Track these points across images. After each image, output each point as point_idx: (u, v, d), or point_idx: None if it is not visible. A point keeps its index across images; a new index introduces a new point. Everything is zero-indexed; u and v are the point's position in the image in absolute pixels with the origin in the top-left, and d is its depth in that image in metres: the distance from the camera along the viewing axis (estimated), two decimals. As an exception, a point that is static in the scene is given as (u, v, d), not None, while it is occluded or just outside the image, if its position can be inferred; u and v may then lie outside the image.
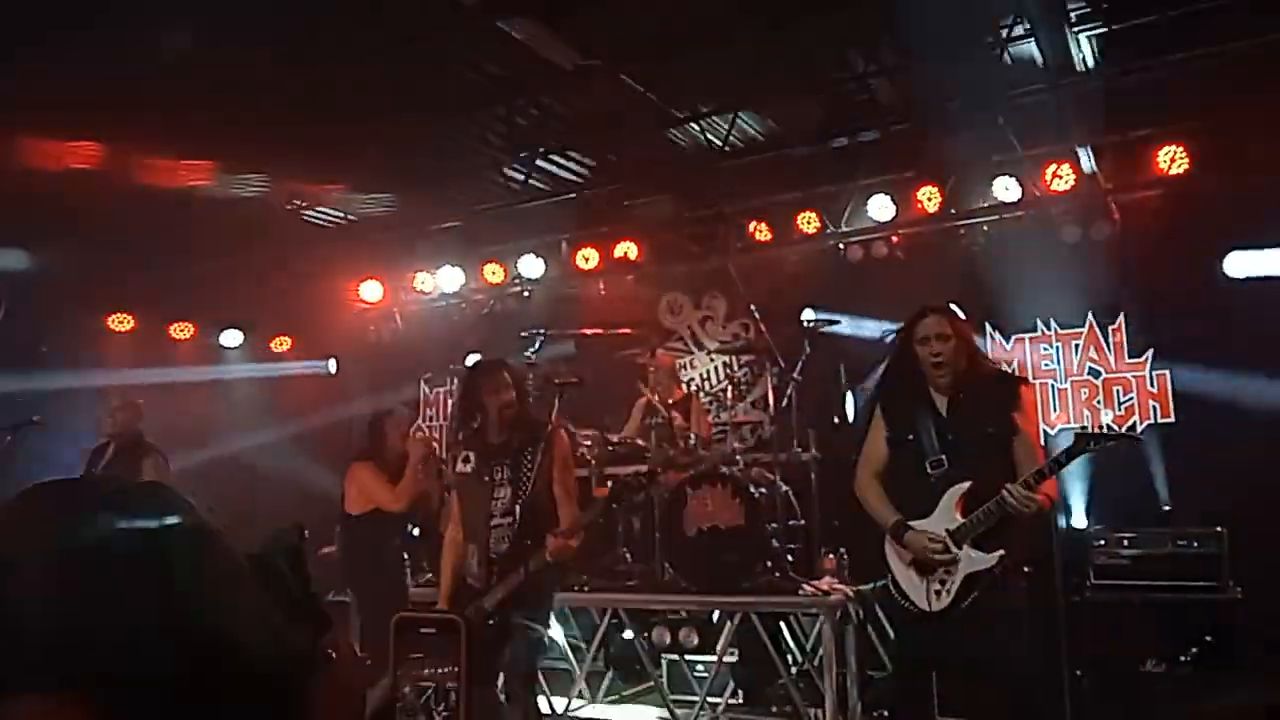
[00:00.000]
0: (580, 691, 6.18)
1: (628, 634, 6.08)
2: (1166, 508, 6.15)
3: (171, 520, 0.93)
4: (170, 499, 0.95)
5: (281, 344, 9.78)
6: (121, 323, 8.62)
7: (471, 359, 8.44)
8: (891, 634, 4.95)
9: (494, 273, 8.67)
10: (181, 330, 9.10)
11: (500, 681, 4.10)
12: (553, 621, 6.69)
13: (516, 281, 8.62)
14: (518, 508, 4.01)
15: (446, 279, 8.76)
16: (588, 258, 8.32)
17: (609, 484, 5.28)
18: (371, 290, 9.05)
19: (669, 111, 6.52)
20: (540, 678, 4.55)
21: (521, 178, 7.32)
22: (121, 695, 0.82)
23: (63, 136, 6.25)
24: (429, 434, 9.58)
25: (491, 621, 3.99)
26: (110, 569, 0.87)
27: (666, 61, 5.95)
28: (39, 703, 0.81)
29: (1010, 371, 6.33)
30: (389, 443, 5.49)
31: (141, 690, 0.82)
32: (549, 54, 5.76)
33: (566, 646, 6.64)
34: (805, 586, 5.69)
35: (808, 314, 6.76)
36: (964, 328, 3.81)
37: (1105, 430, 3.54)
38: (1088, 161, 6.50)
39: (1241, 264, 6.22)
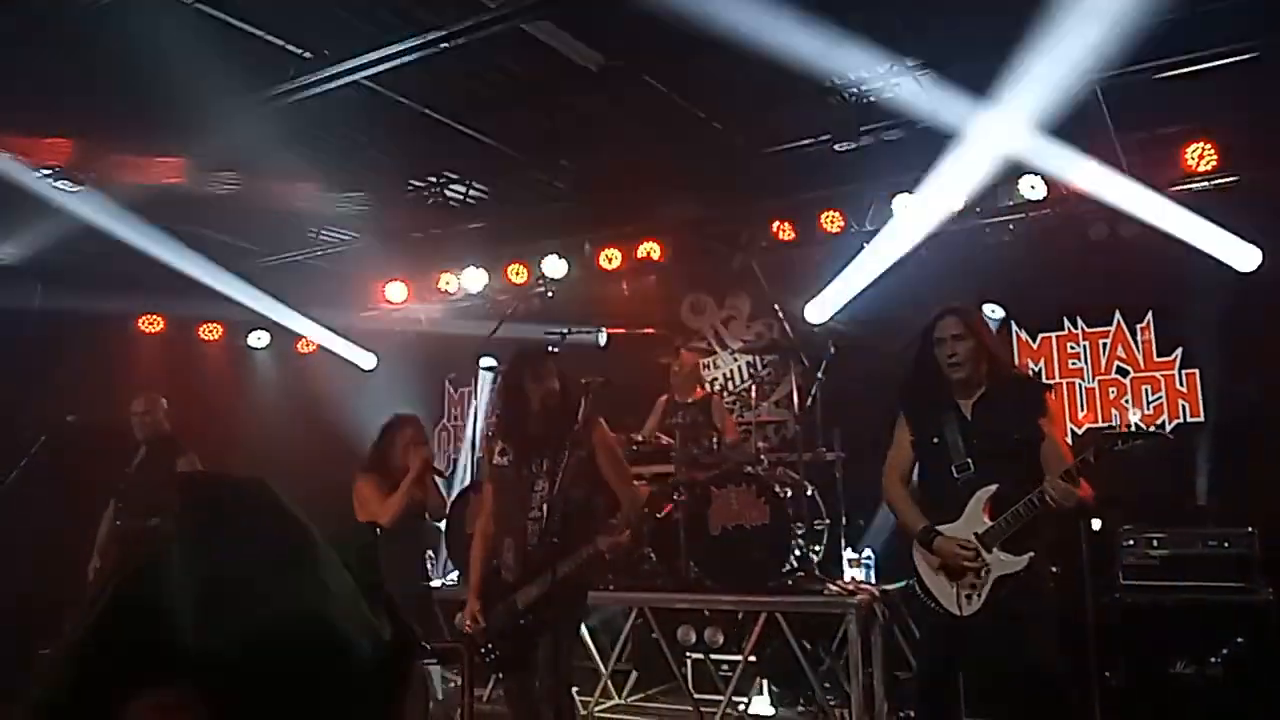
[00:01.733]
0: (605, 690, 6.21)
1: (653, 633, 6.09)
2: (1201, 504, 6.10)
3: (286, 516, 0.95)
4: (277, 496, 0.96)
5: (307, 345, 9.87)
6: (152, 324, 8.74)
7: (486, 361, 8.56)
8: (917, 634, 4.95)
9: (517, 273, 8.71)
10: (210, 331, 9.21)
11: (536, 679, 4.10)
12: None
13: (540, 282, 8.66)
14: (557, 501, 3.95)
15: (470, 280, 8.82)
16: (611, 258, 8.35)
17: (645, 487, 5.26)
18: (396, 291, 9.13)
19: (692, 112, 6.52)
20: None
21: (544, 178, 7.36)
22: (239, 691, 0.83)
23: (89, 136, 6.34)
24: (453, 433, 9.67)
25: (523, 621, 3.98)
26: (241, 564, 0.88)
27: (689, 62, 5.95)
28: (159, 698, 0.83)
29: (1032, 375, 6.33)
30: (394, 455, 5.22)
31: (259, 685, 0.84)
32: (572, 56, 5.79)
33: (592, 645, 6.68)
34: (831, 586, 5.69)
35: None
36: (983, 328, 3.81)
37: (1134, 429, 3.51)
38: (1115, 159, 6.44)
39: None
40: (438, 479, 5.52)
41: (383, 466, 5.23)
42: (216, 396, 8.62)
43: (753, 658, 5.84)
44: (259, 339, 9.47)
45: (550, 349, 6.73)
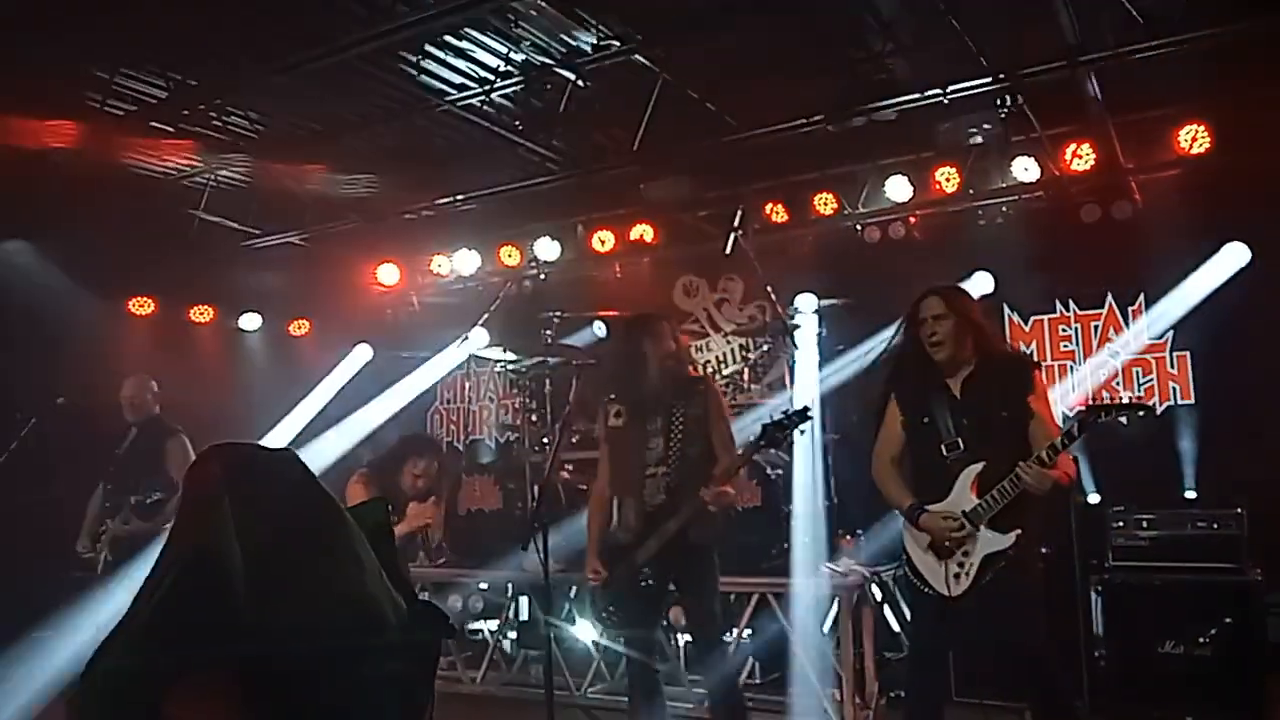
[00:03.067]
0: (598, 672, 6.23)
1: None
2: (1187, 490, 6.14)
3: (318, 489, 0.93)
4: (308, 468, 0.95)
5: (300, 327, 9.84)
6: (142, 306, 8.69)
7: (477, 336, 8.58)
8: (908, 615, 4.96)
9: (510, 255, 8.69)
10: (201, 313, 9.17)
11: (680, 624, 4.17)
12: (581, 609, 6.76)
13: (533, 264, 8.64)
14: (675, 458, 4.00)
15: (463, 262, 8.79)
16: (604, 240, 8.33)
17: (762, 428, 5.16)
18: (388, 273, 9.09)
19: (685, 92, 6.48)
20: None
21: (537, 159, 7.32)
22: (285, 664, 0.82)
23: (79, 116, 6.28)
24: (445, 415, 9.66)
25: (643, 581, 4.01)
26: (284, 538, 0.87)
27: (683, 42, 5.91)
28: (196, 683, 0.82)
29: (1022, 354, 6.36)
30: (399, 478, 4.92)
31: (305, 657, 0.83)
32: (566, 35, 5.76)
33: (583, 626, 6.70)
34: (822, 567, 5.70)
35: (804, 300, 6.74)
36: (966, 307, 3.80)
37: (1117, 403, 3.53)
38: (1108, 141, 6.44)
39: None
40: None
41: (383, 482, 4.95)
42: (208, 379, 8.58)
43: (745, 638, 5.86)
44: (251, 321, 9.43)
45: (547, 333, 6.75)
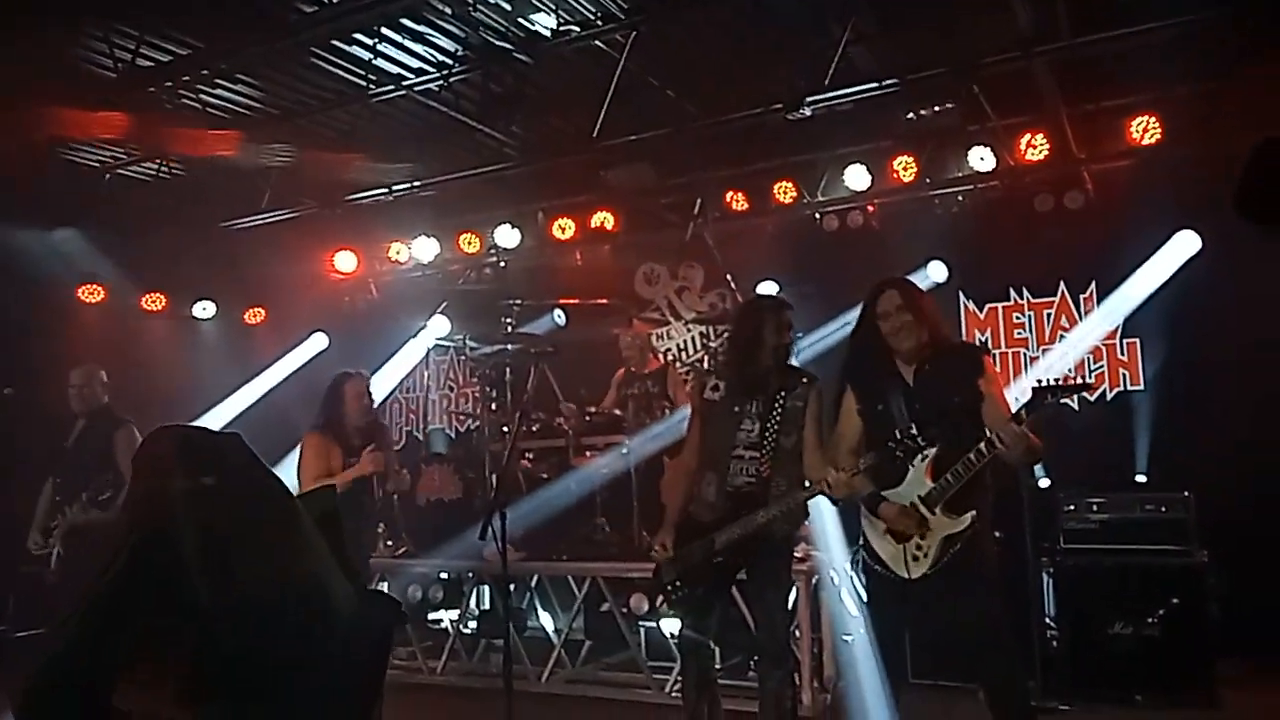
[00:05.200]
0: (558, 660, 6.23)
1: (606, 602, 6.11)
2: (1138, 474, 6.26)
3: (266, 472, 0.92)
4: (254, 452, 0.94)
5: (255, 315, 9.69)
6: (92, 294, 8.50)
7: (436, 325, 8.53)
8: (865, 599, 5.02)
9: (469, 243, 8.63)
10: (153, 301, 8.99)
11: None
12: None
13: (492, 252, 8.59)
14: (766, 445, 3.94)
15: (422, 249, 8.72)
16: (564, 228, 8.30)
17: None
18: (346, 261, 8.99)
19: (646, 79, 6.47)
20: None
21: (496, 145, 7.26)
22: (239, 644, 0.81)
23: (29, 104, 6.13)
24: (405, 405, 9.59)
25: (717, 561, 3.94)
26: (239, 520, 0.86)
27: (643, 28, 5.89)
28: (146, 671, 0.80)
29: (974, 343, 6.49)
30: (344, 410, 5.25)
31: (261, 638, 0.81)
32: (524, 19, 5.72)
33: (544, 615, 6.71)
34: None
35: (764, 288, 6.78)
36: (920, 300, 3.84)
37: (1063, 385, 3.60)
38: (1061, 131, 6.53)
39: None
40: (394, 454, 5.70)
41: (332, 428, 5.23)
42: (160, 368, 8.42)
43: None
44: (204, 309, 9.27)
45: (507, 320, 6.72)
